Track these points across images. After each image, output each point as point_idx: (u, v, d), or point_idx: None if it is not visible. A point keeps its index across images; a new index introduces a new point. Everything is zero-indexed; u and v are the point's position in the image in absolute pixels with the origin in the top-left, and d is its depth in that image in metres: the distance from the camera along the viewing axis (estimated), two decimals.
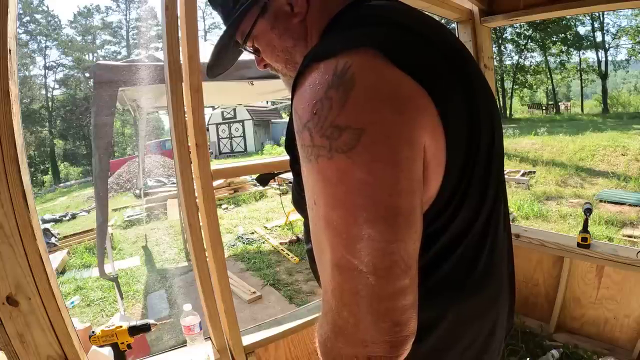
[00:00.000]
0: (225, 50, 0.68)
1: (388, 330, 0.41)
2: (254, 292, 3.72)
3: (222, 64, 0.72)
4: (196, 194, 1.21)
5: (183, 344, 1.34)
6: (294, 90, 0.48)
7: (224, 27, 0.65)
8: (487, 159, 0.55)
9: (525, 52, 25.93)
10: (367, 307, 0.41)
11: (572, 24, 23.30)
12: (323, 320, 0.46)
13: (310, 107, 0.43)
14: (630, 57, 23.69)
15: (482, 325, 0.62)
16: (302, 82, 0.46)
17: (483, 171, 0.54)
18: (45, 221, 8.32)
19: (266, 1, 0.59)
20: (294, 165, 0.53)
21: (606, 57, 24.08)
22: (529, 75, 26.89)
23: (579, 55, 25.73)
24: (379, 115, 0.41)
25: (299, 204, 0.56)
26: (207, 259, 1.24)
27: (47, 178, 28.19)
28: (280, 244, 5.21)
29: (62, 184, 22.29)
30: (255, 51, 0.66)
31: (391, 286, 0.41)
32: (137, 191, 9.94)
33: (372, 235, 0.40)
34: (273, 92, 4.62)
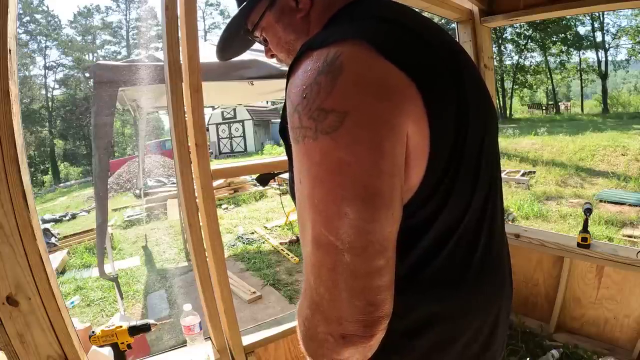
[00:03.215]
0: (234, 37, 0.71)
1: (362, 309, 0.42)
2: (254, 292, 3.72)
3: (232, 49, 0.76)
4: (196, 194, 1.21)
5: (183, 344, 1.34)
6: (288, 76, 0.50)
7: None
8: (477, 159, 0.56)
9: (525, 52, 25.91)
10: (343, 284, 0.42)
11: (572, 24, 23.27)
12: (302, 299, 0.47)
13: (301, 92, 0.45)
14: (630, 57, 23.67)
15: (483, 322, 0.62)
16: (296, 69, 0.49)
17: (472, 170, 0.55)
18: (45, 221, 8.32)
19: None
20: (289, 152, 0.54)
21: (606, 57, 24.10)
22: (529, 75, 26.86)
23: (579, 55, 25.75)
24: (363, 100, 0.43)
25: (293, 191, 0.57)
26: (207, 259, 1.24)
27: (47, 178, 28.17)
28: (280, 244, 5.20)
29: (62, 184, 22.28)
30: (264, 41, 0.69)
31: (366, 265, 0.42)
32: (137, 191, 9.93)
33: (349, 214, 0.41)
34: (273, 92, 4.61)
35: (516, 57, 26.43)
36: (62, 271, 5.03)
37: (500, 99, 25.90)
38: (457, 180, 0.52)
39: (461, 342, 0.59)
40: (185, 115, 1.17)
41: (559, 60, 25.66)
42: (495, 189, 0.63)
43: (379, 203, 0.42)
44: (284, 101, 0.52)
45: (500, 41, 25.25)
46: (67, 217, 9.26)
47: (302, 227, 0.48)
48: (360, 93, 0.43)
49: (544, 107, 27.63)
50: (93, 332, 1.17)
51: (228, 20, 0.69)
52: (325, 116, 0.43)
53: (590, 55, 25.64)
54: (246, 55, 0.76)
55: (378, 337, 0.44)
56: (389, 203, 0.43)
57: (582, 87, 26.61)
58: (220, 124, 22.52)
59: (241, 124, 22.31)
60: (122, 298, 3.56)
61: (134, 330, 1.19)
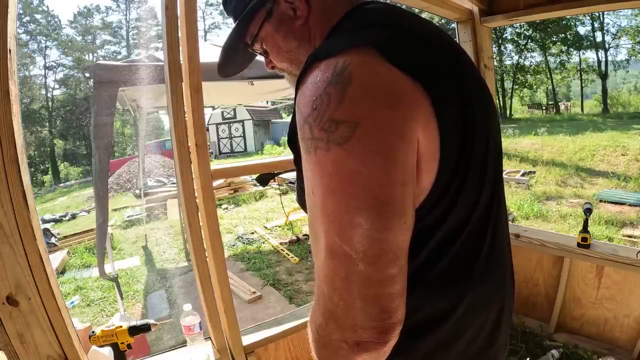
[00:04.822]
0: (234, 51, 0.71)
1: (376, 316, 0.43)
2: (254, 292, 3.72)
3: (232, 64, 0.76)
4: (196, 194, 1.21)
5: (183, 344, 1.34)
6: (297, 87, 0.51)
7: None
8: (483, 159, 0.57)
9: (525, 52, 25.87)
10: (357, 293, 0.43)
11: (572, 24, 23.24)
12: (315, 307, 0.48)
13: (311, 103, 0.46)
14: (630, 57, 23.64)
15: (485, 319, 0.62)
16: (305, 80, 0.49)
17: (479, 170, 0.56)
18: (45, 221, 8.32)
19: (271, 6, 0.62)
20: (297, 161, 0.55)
21: (606, 57, 24.05)
22: (529, 75, 26.83)
23: (579, 55, 25.70)
24: (373, 109, 0.43)
25: (304, 200, 0.57)
26: (207, 259, 1.24)
27: (47, 178, 28.15)
28: (280, 244, 5.20)
29: (62, 184, 22.27)
30: (264, 53, 0.69)
31: (380, 273, 0.43)
32: (137, 191, 9.93)
33: (363, 224, 0.42)
34: (273, 92, 4.62)
35: (516, 57, 26.41)
36: (62, 271, 5.03)
37: (500, 99, 25.87)
38: (466, 180, 0.53)
39: (464, 340, 0.59)
40: (185, 115, 1.17)
41: (559, 60, 25.62)
42: (499, 187, 0.64)
43: (392, 212, 0.43)
44: (292, 111, 0.52)
45: (500, 41, 25.22)
46: (67, 217, 9.26)
47: (314, 237, 0.48)
48: (370, 103, 0.43)
49: (544, 107, 27.59)
50: (93, 332, 1.17)
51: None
52: (336, 127, 0.43)
53: (590, 55, 25.63)
54: None
55: (391, 343, 0.45)
56: (401, 212, 0.44)
57: (582, 87, 26.57)
58: (220, 124, 22.51)
59: (241, 124, 22.31)
60: (122, 298, 3.56)
61: (134, 330, 1.19)
